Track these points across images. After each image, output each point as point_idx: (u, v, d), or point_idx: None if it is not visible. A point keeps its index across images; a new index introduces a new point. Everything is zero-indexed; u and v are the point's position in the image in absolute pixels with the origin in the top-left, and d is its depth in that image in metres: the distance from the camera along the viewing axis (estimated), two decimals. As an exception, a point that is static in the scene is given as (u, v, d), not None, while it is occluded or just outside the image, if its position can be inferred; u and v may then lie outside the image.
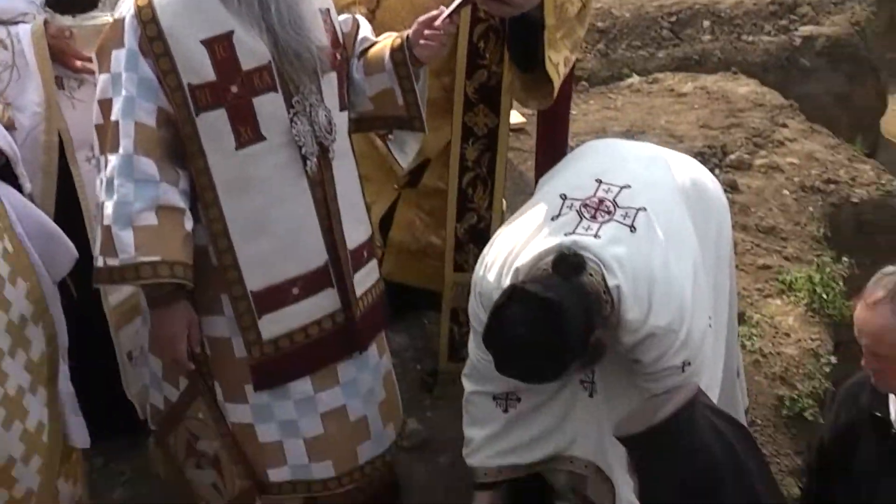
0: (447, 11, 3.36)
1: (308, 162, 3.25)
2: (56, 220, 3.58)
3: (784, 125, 6.93)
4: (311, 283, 3.34)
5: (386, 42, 3.49)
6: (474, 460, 3.52)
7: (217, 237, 3.21)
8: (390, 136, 4.03)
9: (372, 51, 3.51)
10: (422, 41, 3.38)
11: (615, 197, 3.21)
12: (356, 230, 3.46)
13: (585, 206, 3.19)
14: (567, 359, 2.95)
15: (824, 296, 5.40)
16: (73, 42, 3.61)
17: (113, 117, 3.07)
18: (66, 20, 3.61)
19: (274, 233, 3.25)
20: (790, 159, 6.59)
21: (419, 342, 4.85)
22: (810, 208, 6.22)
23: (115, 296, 3.94)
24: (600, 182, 3.25)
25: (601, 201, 3.20)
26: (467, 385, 3.52)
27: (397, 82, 3.47)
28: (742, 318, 5.09)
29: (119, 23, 3.09)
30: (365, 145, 4.14)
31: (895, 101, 9.90)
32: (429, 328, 4.89)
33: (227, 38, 3.09)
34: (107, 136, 3.08)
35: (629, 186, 3.23)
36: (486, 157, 4.22)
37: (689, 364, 3.10)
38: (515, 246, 3.21)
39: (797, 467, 4.58)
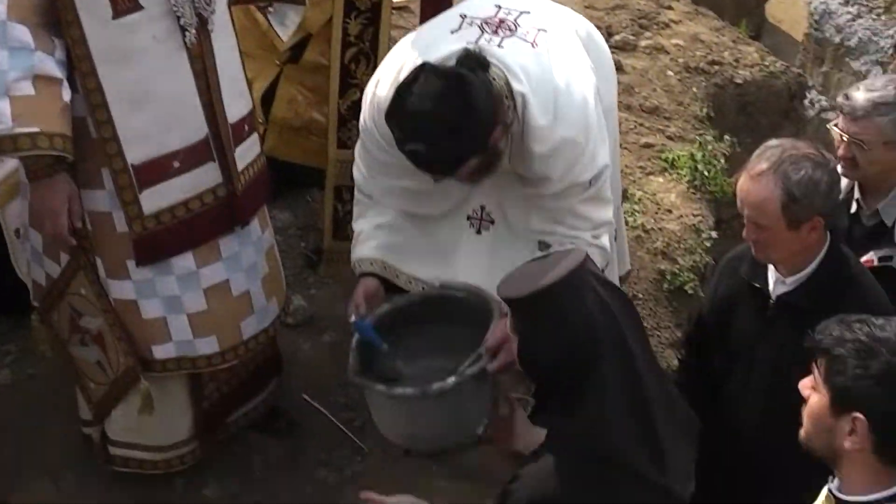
0: None
1: (187, 33, 3.20)
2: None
3: (669, 7, 7.00)
4: (191, 157, 3.31)
5: None
6: (359, 251, 3.46)
7: (95, 109, 3.15)
8: (271, 10, 3.99)
9: None
10: None
11: (516, 19, 3.19)
12: (236, 104, 3.43)
13: (486, 23, 3.17)
14: (467, 145, 2.91)
15: (706, 173, 5.53)
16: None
17: None
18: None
19: (153, 105, 3.21)
20: (675, 41, 6.67)
21: (302, 219, 4.86)
22: (694, 89, 6.31)
23: (-1, 170, 3.85)
24: (500, 7, 3.23)
25: (502, 21, 3.18)
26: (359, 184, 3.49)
27: None
28: (625, 195, 5.18)
29: None
30: (245, 20, 4.10)
31: (781, -15, 10.05)
32: (312, 205, 4.90)
33: None
34: None
35: (528, 12, 3.23)
36: (369, 32, 4.20)
37: (594, 182, 3.19)
38: (413, 56, 3.16)
39: (677, 339, 4.73)
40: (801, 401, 2.90)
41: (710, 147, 5.75)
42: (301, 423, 4.14)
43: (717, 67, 6.57)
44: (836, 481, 2.25)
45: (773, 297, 3.09)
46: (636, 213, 5.14)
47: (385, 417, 3.20)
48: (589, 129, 3.15)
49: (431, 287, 3.41)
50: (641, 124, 5.86)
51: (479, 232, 3.39)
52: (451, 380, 2.97)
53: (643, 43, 6.48)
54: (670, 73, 6.35)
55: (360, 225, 3.46)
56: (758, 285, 3.13)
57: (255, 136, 3.62)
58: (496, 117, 2.95)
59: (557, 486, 2.47)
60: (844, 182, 3.58)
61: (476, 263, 3.35)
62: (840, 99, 3.47)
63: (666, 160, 5.60)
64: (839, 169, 3.39)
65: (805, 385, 2.27)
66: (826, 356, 2.19)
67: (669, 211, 5.30)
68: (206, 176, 3.37)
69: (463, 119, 2.86)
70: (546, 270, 2.57)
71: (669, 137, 5.86)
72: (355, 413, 4.18)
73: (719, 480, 3.35)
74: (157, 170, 3.26)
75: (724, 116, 6.39)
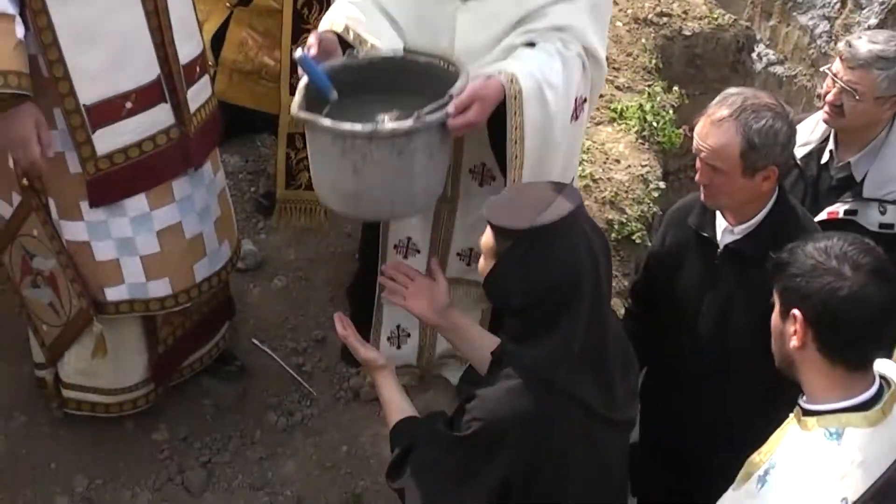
0: None
1: None
2: None
3: (617, -42, 6.99)
4: (144, 98, 3.31)
5: None
6: (324, 22, 3.33)
7: (47, 47, 3.13)
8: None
9: None
10: None
11: None
12: (188, 44, 3.43)
13: None
14: None
15: (654, 124, 5.58)
16: None
17: None
18: None
19: (105, 45, 3.20)
20: (624, -8, 6.68)
21: (252, 164, 4.88)
22: (643, 40, 6.34)
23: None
24: None
25: None
26: None
27: None
28: (573, 145, 5.21)
29: None
30: (195, -40, 4.06)
31: (729, -63, 10.06)
32: (262, 150, 4.91)
33: None
34: None
35: None
36: (322, -23, 4.15)
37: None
38: None
39: (624, 288, 4.78)
40: (747, 347, 3.02)
41: (658, 98, 5.80)
42: (251, 368, 4.17)
43: (665, 19, 6.60)
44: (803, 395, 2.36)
45: (721, 245, 3.15)
46: (585, 163, 5.19)
47: (328, 170, 3.03)
48: None
49: (394, 51, 3.25)
50: (591, 74, 5.87)
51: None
52: (408, 122, 2.89)
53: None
54: (619, 23, 6.37)
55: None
56: (706, 234, 3.19)
57: (206, 78, 3.62)
58: None
59: (510, 410, 2.53)
60: (820, 131, 3.66)
61: (459, 38, 3.27)
62: (841, 45, 3.56)
63: (615, 110, 5.65)
64: (823, 115, 3.58)
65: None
66: (776, 272, 2.35)
67: (618, 161, 5.35)
68: (159, 117, 3.37)
69: None
70: (541, 203, 2.58)
71: (618, 88, 5.90)
72: (304, 358, 4.23)
73: (666, 430, 3.45)
74: (109, 110, 3.25)
75: (672, 68, 6.44)
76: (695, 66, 6.65)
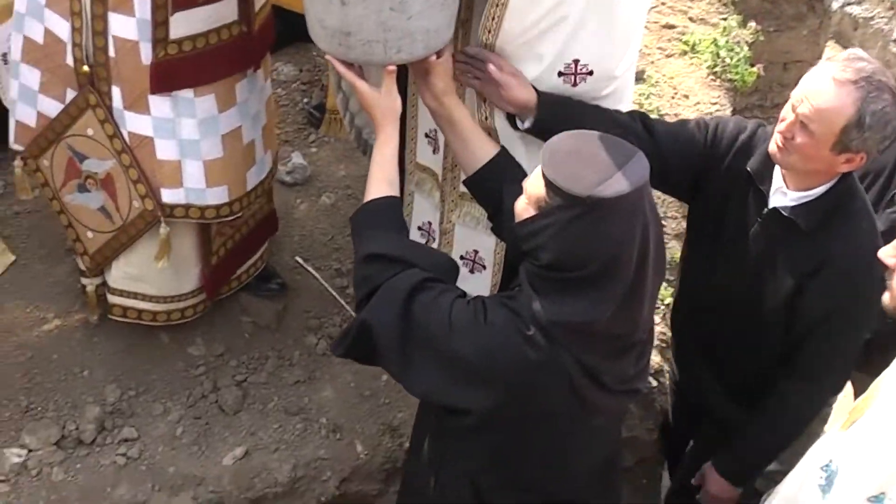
0: None
1: None
2: None
3: None
4: None
5: None
6: None
7: None
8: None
9: None
10: None
11: None
12: None
13: None
14: None
15: (727, 59, 5.43)
16: None
17: None
18: None
19: None
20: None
21: (306, 74, 4.81)
22: (720, -31, 6.16)
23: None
24: None
25: None
26: None
27: None
28: (641, 77, 5.10)
29: None
30: None
31: None
32: (318, 60, 4.83)
33: None
34: None
35: None
36: None
37: None
38: None
39: (682, 231, 4.68)
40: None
41: (733, 33, 5.64)
42: (293, 287, 4.14)
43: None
44: None
45: (770, 205, 3.00)
46: (652, 97, 5.08)
47: (316, 1, 2.83)
48: None
49: None
50: (663, 3, 5.75)
51: None
52: None
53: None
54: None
55: None
56: (760, 187, 3.04)
57: (265, -23, 3.55)
58: None
59: (504, 356, 2.47)
60: None
61: None
62: None
63: (686, 43, 5.51)
64: None
65: None
66: None
67: (686, 96, 5.24)
68: (226, 10, 3.32)
69: None
70: (605, 170, 2.41)
71: (691, 19, 5.76)
72: (348, 280, 4.19)
73: (687, 374, 3.47)
74: None
75: (747, 1, 6.26)
76: (771, 0, 6.47)
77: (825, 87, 2.73)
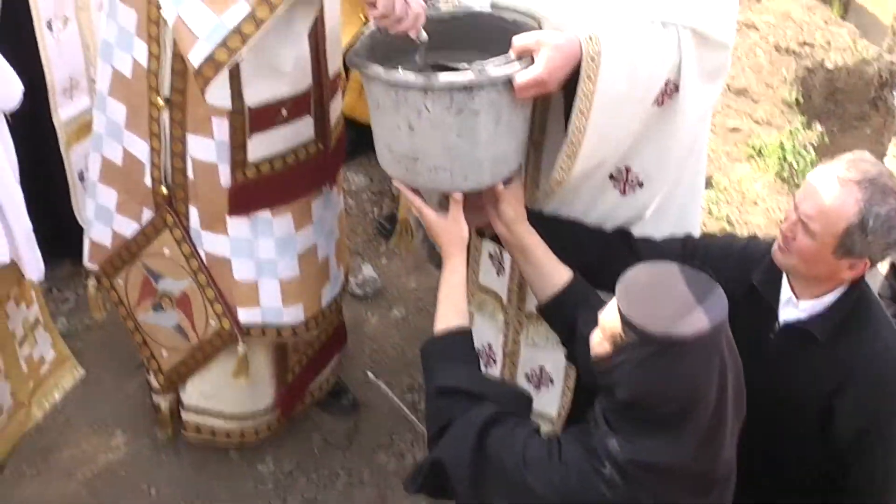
0: None
1: None
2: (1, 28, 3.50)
3: (761, -20, 6.84)
4: (296, 108, 3.26)
5: None
6: None
7: None
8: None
9: None
10: None
11: None
12: (334, 58, 3.39)
13: None
14: None
15: (794, 164, 5.39)
16: None
17: None
18: None
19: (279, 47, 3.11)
20: (766, 17, 6.53)
21: (377, 184, 4.80)
22: (783, 70, 6.17)
23: (65, 110, 3.88)
24: None
25: None
26: None
27: None
28: (709, 182, 5.07)
29: None
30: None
31: (869, -38, 9.84)
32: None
33: None
34: None
35: None
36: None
37: None
38: None
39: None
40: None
41: (799, 136, 5.61)
42: (364, 403, 4.11)
43: (807, 49, 6.44)
44: None
45: (781, 319, 2.87)
46: (721, 203, 5.04)
47: (383, 125, 2.83)
48: None
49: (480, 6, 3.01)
50: (728, 105, 5.76)
51: None
52: (467, 74, 2.66)
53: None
54: (760, 51, 6.21)
55: None
56: (767, 299, 2.95)
57: (340, 94, 3.57)
58: None
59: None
60: None
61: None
62: None
63: (753, 147, 5.49)
64: None
65: None
66: None
67: (755, 203, 5.19)
68: (304, 130, 3.33)
69: None
70: (682, 306, 2.36)
71: (757, 121, 5.76)
72: (420, 395, 4.12)
73: None
74: (267, 115, 3.19)
75: (811, 101, 6.27)
76: (835, 100, 6.47)
77: (828, 187, 2.62)
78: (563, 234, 2.94)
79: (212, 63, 2.81)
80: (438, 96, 2.66)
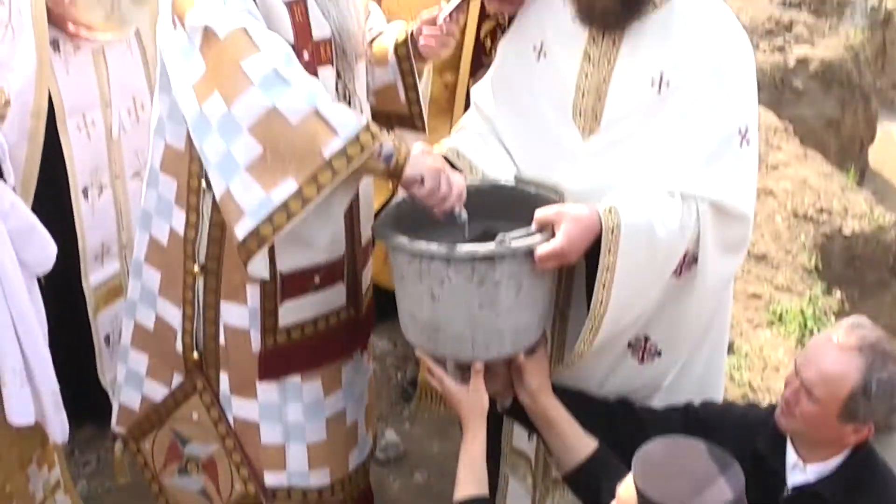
0: (447, 9, 3.32)
1: None
2: (37, 192, 3.58)
3: (778, 148, 7.00)
4: (329, 275, 3.33)
5: (391, 34, 3.47)
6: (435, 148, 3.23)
7: None
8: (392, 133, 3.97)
9: (377, 43, 3.49)
10: (423, 39, 3.36)
11: None
12: (366, 226, 3.46)
13: None
14: None
15: (816, 330, 5.43)
16: (73, 7, 3.55)
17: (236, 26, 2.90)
18: (68, -16, 3.54)
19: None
20: (783, 184, 6.65)
21: (401, 349, 4.84)
22: (802, 237, 6.25)
23: (95, 276, 3.94)
24: None
25: None
26: None
27: (400, 78, 3.45)
28: (731, 348, 5.09)
29: None
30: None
31: (884, 129, 10.03)
32: (408, 339, 4.87)
33: (304, 3, 3.07)
34: (236, 46, 2.89)
35: None
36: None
37: (748, 138, 3.00)
38: None
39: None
40: None
41: (819, 303, 5.65)
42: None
43: (825, 216, 6.55)
44: None
45: (790, 484, 2.88)
46: (742, 370, 5.06)
47: (406, 295, 2.92)
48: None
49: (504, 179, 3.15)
50: (749, 271, 5.81)
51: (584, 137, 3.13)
52: (489, 245, 2.74)
53: (753, 185, 6.45)
54: (779, 218, 6.30)
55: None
56: (775, 465, 2.92)
57: (371, 261, 3.63)
58: None
59: None
60: None
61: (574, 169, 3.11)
62: None
63: (774, 313, 5.53)
64: None
65: None
66: None
67: (777, 369, 5.21)
68: (335, 296, 3.38)
69: None
70: (700, 480, 2.39)
71: (777, 288, 5.81)
72: (445, 567, 4.08)
73: None
74: (300, 282, 3.26)
75: (830, 268, 6.34)
76: (854, 266, 6.54)
77: (829, 353, 2.69)
78: (567, 407, 2.97)
79: (256, 237, 2.88)
80: (460, 266, 2.74)
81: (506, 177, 3.16)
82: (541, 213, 2.83)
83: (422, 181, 2.92)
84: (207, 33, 2.90)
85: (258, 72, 2.84)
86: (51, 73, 3.59)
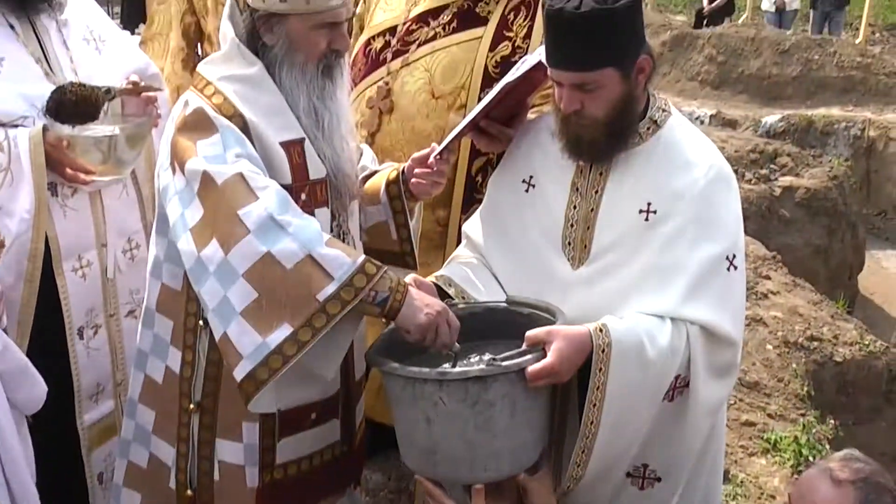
0: (438, 149, 3.41)
1: None
2: (33, 333, 3.63)
3: (767, 277, 7.07)
4: (325, 411, 3.38)
5: (383, 173, 3.56)
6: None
7: None
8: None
9: (370, 182, 3.58)
10: (414, 179, 3.45)
11: None
12: (360, 361, 3.51)
13: None
14: (614, 41, 2.97)
15: (811, 458, 5.42)
16: (70, 151, 3.63)
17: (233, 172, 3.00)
18: (65, 129, 3.63)
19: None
20: (773, 313, 6.70)
21: (394, 483, 4.80)
22: (794, 365, 6.29)
23: (90, 415, 3.96)
24: None
25: None
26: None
27: (392, 216, 3.54)
28: (727, 476, 5.08)
29: (200, 114, 3.09)
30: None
31: (872, 257, 10.14)
32: (405, 469, 4.83)
33: (301, 144, 3.18)
34: (233, 193, 2.98)
35: None
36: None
37: (735, 264, 3.08)
38: None
39: None
40: None
41: (813, 430, 5.66)
42: None
43: (816, 343, 6.58)
44: None
45: None
46: (739, 497, 5.03)
47: (402, 420, 2.96)
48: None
49: (496, 301, 3.24)
50: (741, 399, 5.82)
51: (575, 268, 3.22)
52: (479, 366, 2.77)
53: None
54: (769, 346, 6.36)
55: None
56: None
57: (363, 396, 3.66)
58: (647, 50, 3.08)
59: None
60: None
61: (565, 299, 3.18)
62: None
63: (768, 441, 5.53)
64: None
65: None
66: None
67: (773, 496, 5.19)
68: (330, 432, 3.43)
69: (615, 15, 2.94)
70: None
71: (770, 416, 5.81)
72: None
73: None
74: (297, 419, 3.30)
75: (823, 395, 6.36)
76: (847, 393, 6.56)
77: (823, 488, 2.71)
78: None
79: (252, 380, 2.92)
80: (453, 388, 2.78)
81: (498, 300, 3.23)
82: (532, 333, 2.89)
83: (408, 330, 3.01)
84: (206, 179, 2.99)
85: (254, 219, 2.92)
86: (48, 216, 3.66)
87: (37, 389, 3.20)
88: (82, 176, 3.66)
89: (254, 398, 2.95)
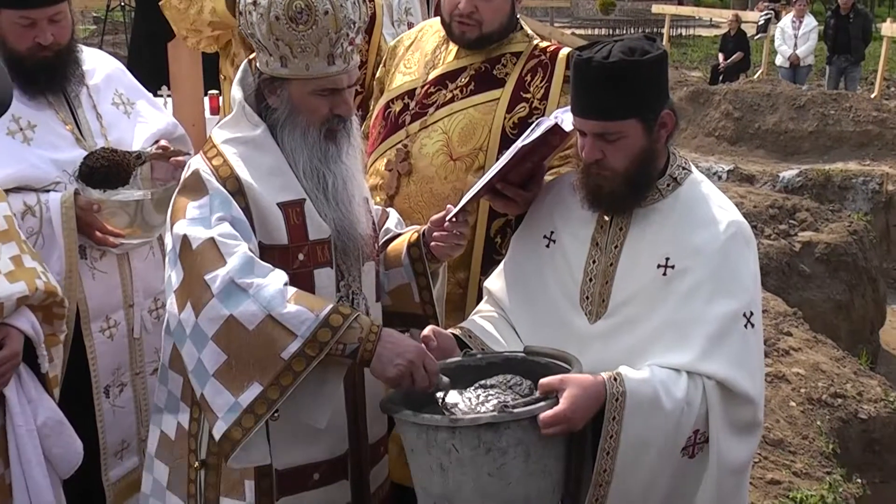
0: (454, 210, 3.46)
1: None
2: (62, 392, 3.66)
3: (789, 333, 7.08)
4: (329, 471, 3.37)
5: (405, 236, 3.61)
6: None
7: None
8: (407, 333, 4.08)
9: (392, 244, 3.63)
10: (434, 241, 3.50)
11: None
12: (377, 424, 3.53)
13: None
14: (639, 91, 3.06)
15: (838, 518, 5.43)
16: (100, 215, 3.70)
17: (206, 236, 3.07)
18: (96, 194, 3.72)
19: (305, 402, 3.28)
20: (796, 369, 6.71)
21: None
22: (818, 422, 6.29)
23: (115, 471, 4.03)
24: None
25: None
26: None
27: (414, 279, 3.58)
28: (755, 538, 5.10)
29: (195, 177, 3.18)
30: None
31: (893, 311, 10.14)
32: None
33: (300, 204, 3.24)
34: (203, 257, 3.04)
35: None
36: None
37: (753, 322, 3.10)
38: None
39: None
40: None
41: (840, 489, 5.66)
42: None
43: (839, 400, 6.57)
44: None
45: None
46: (768, 555, 5.05)
47: (417, 469, 2.95)
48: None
49: (514, 351, 3.27)
50: (766, 458, 5.82)
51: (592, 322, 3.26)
52: (491, 413, 2.80)
53: (765, 370, 6.50)
54: (793, 403, 6.36)
55: None
56: None
57: (386, 458, 3.68)
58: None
59: None
60: None
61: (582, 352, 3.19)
62: None
63: (794, 500, 5.52)
64: None
65: None
66: None
67: (803, 545, 5.19)
68: (338, 494, 3.41)
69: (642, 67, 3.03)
70: None
71: (795, 474, 5.80)
72: None
73: None
74: (297, 478, 3.31)
75: (849, 452, 6.34)
76: (873, 450, 6.55)
77: None
78: None
79: (228, 440, 2.98)
80: (466, 436, 2.80)
81: (516, 350, 3.28)
82: (546, 380, 2.92)
83: (386, 382, 3.08)
84: (184, 243, 3.08)
85: (217, 284, 2.99)
86: (78, 279, 3.75)
87: (74, 445, 3.26)
88: (111, 239, 3.74)
89: (231, 456, 3.00)
